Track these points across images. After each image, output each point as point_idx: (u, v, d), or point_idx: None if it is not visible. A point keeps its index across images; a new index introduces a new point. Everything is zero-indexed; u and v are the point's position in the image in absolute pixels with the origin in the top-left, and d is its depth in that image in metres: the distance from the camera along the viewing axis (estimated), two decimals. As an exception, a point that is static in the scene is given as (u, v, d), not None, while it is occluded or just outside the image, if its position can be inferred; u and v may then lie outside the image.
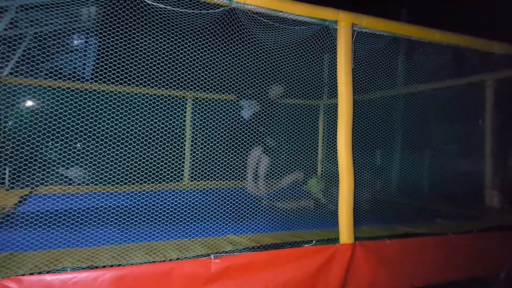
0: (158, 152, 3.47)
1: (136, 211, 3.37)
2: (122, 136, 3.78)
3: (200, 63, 3.19)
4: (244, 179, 4.70)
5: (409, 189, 4.36)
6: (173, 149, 3.52)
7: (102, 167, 3.60)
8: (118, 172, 3.55)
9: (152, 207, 3.56)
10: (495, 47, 3.69)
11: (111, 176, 3.70)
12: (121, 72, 2.95)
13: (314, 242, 2.73)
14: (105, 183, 4.24)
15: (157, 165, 3.34)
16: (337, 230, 2.82)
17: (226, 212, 3.31)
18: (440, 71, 3.80)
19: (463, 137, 4.58)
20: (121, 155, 3.49)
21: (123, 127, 3.97)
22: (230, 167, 3.61)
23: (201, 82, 4.33)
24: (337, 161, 2.83)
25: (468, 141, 4.55)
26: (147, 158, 3.62)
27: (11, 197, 3.88)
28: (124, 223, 3.03)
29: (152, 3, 2.35)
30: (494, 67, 4.02)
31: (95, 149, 3.56)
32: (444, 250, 3.26)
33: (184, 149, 5.16)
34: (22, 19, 4.28)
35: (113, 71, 2.85)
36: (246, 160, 4.45)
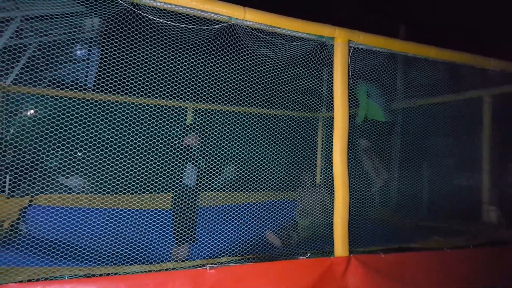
0: (159, 163, 3.50)
1: (133, 228, 3.37)
2: (122, 146, 3.81)
3: (199, 75, 3.25)
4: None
5: (406, 205, 4.37)
6: (173, 160, 3.55)
7: (102, 177, 3.63)
8: (115, 184, 3.57)
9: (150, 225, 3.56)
10: (492, 64, 3.74)
11: (110, 188, 3.73)
12: (122, 83, 3.01)
13: (308, 254, 2.75)
14: (105, 195, 4.22)
15: (157, 176, 3.37)
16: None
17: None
18: (437, 87, 3.86)
19: (460, 152, 4.62)
20: (122, 165, 3.52)
21: (123, 137, 4.01)
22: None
23: (200, 94, 4.38)
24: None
25: (465, 156, 4.58)
26: (148, 169, 3.64)
27: (11, 206, 3.89)
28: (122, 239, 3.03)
29: (154, 18, 2.41)
30: (491, 83, 4.08)
31: (96, 159, 3.60)
32: (440, 265, 3.26)
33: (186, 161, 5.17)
34: (26, 29, 4.37)
35: (114, 81, 2.91)
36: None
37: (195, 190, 3.70)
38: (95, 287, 2.11)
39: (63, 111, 4.07)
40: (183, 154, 3.69)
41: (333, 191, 2.87)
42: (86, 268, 2.20)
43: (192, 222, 3.60)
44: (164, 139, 3.54)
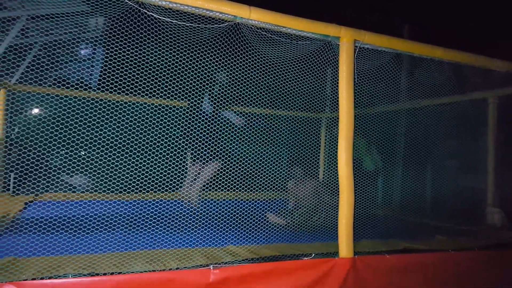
0: (160, 161, 3.51)
1: (138, 219, 3.40)
2: (126, 145, 3.82)
3: (204, 75, 3.25)
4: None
5: (410, 204, 4.36)
6: (175, 158, 3.56)
7: (105, 175, 3.65)
8: (120, 181, 3.59)
9: (153, 216, 3.59)
10: (497, 64, 3.72)
11: (114, 184, 3.75)
12: (126, 82, 3.01)
13: (313, 255, 2.74)
14: (108, 191, 4.29)
15: (159, 174, 3.38)
16: (337, 243, 2.84)
17: (226, 223, 3.34)
18: (442, 87, 3.84)
19: (464, 153, 4.60)
20: (124, 163, 3.53)
21: (127, 136, 4.02)
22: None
23: (204, 93, 4.39)
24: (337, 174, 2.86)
25: (469, 157, 4.56)
26: (150, 167, 3.66)
27: (15, 203, 3.93)
28: (125, 231, 3.07)
29: (159, 17, 2.41)
30: (496, 84, 4.06)
31: (99, 157, 3.61)
32: (444, 267, 3.25)
33: (186, 159, 5.17)
34: (31, 28, 4.38)
35: (118, 81, 2.92)
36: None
37: (212, 114, 4.41)
38: (98, 286, 2.12)
39: (67, 110, 4.08)
40: (208, 84, 4.35)
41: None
42: (89, 266, 2.20)
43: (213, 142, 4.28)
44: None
